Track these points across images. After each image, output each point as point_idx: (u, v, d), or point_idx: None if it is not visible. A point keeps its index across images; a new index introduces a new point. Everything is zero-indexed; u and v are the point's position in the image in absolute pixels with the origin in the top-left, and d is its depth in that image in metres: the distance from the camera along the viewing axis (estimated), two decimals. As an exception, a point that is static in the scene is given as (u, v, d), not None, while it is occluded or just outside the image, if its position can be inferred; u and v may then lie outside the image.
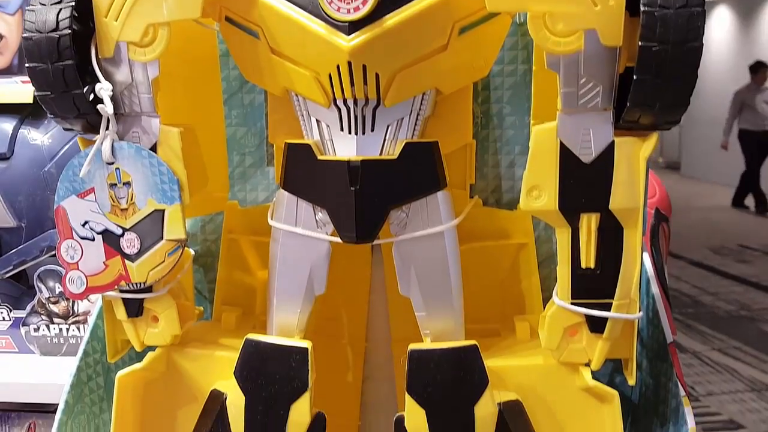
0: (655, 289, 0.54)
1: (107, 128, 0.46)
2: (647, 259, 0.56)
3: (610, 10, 0.40)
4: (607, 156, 0.43)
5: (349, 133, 0.46)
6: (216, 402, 0.49)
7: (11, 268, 0.80)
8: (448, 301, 0.48)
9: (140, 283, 0.48)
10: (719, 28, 6.70)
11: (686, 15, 0.39)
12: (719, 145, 5.26)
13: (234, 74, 0.58)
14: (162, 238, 0.48)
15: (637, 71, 0.40)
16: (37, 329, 0.80)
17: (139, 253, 0.48)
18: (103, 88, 0.45)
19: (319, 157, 0.46)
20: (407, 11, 0.41)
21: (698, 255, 4.05)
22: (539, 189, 0.44)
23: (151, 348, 0.51)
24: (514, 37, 0.54)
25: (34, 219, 0.80)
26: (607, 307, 0.44)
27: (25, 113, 0.83)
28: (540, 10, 0.40)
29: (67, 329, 0.80)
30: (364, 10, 0.41)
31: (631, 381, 0.46)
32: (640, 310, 0.44)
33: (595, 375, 0.46)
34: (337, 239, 0.47)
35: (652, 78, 0.40)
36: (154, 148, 0.47)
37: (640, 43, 0.39)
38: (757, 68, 5.03)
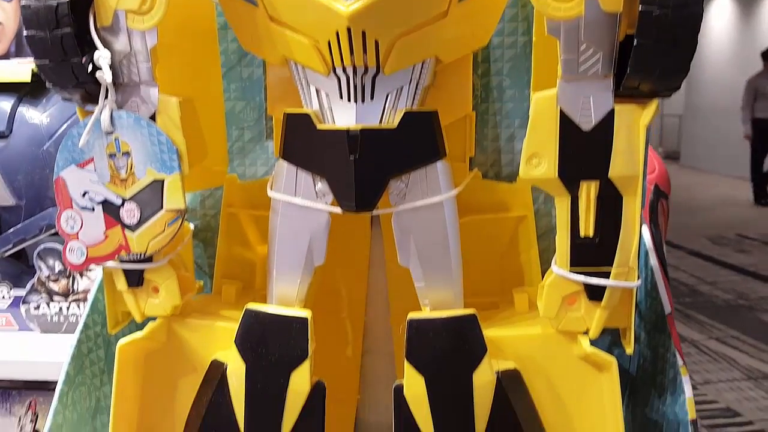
0: (653, 261, 0.54)
1: (106, 97, 0.46)
2: (646, 232, 0.56)
3: (610, -25, 0.40)
4: (606, 124, 0.43)
5: (349, 101, 0.45)
6: (216, 371, 0.49)
7: (10, 246, 0.80)
8: (447, 271, 0.48)
9: (140, 254, 0.48)
10: (719, 17, 6.68)
11: (687, -20, 0.39)
12: (724, 135, 5.21)
13: (233, 47, 0.58)
14: (162, 208, 0.48)
15: (638, 36, 0.40)
16: (37, 307, 0.80)
17: (139, 223, 0.48)
18: (102, 56, 0.45)
19: (319, 127, 0.46)
20: (407, -23, 0.41)
21: (697, 245, 4.06)
22: (539, 157, 0.44)
23: (152, 319, 0.51)
24: (515, 8, 0.54)
25: (33, 198, 0.80)
26: (606, 275, 0.44)
27: (23, 92, 0.83)
28: (540, -25, 0.40)
29: (67, 307, 0.80)
30: (364, -24, 0.41)
31: (629, 350, 0.46)
32: (638, 279, 0.45)
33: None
34: (337, 209, 0.47)
35: (652, 43, 0.40)
36: (153, 118, 0.47)
37: (640, 8, 0.39)
38: None
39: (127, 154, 0.48)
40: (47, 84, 0.47)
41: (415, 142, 0.46)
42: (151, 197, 0.48)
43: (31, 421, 0.83)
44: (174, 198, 0.47)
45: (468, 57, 0.52)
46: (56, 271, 0.79)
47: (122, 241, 0.49)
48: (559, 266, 0.45)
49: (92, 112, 0.47)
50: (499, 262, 0.56)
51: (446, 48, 0.46)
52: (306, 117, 0.46)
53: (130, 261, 0.49)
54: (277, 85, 0.55)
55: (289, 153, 0.48)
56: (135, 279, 0.50)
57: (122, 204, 0.48)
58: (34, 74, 0.81)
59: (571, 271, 0.45)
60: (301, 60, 0.46)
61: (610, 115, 0.43)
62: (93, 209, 0.49)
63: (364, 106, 0.45)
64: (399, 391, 0.46)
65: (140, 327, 0.50)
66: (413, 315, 0.47)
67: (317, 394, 0.47)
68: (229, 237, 0.58)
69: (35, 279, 0.80)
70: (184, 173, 0.47)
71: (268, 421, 0.47)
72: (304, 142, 0.47)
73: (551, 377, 0.47)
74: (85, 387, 0.58)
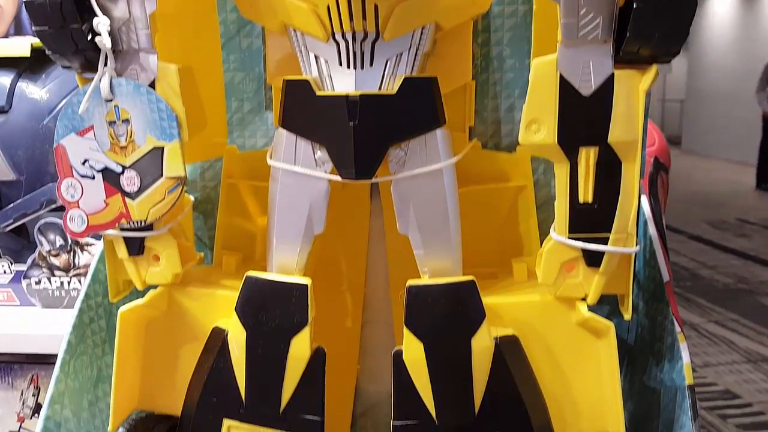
0: (652, 230, 0.54)
1: (105, 64, 0.46)
2: (645, 203, 0.57)
3: (610, -63, 0.39)
4: (606, 89, 0.43)
5: (348, 68, 0.45)
6: (217, 339, 0.49)
7: (11, 221, 0.80)
8: (447, 239, 0.48)
9: (141, 221, 0.49)
10: (722, 2, 6.64)
11: (687, -59, 0.38)
12: (725, 120, 5.18)
13: (232, 17, 0.58)
14: (162, 175, 0.48)
15: (637, 0, 0.39)
16: (38, 282, 0.81)
17: (139, 191, 0.48)
18: (101, 23, 0.45)
19: (318, 93, 0.46)
20: (406, -60, 0.41)
21: (698, 229, 4.07)
22: (538, 122, 0.44)
23: (153, 288, 0.51)
24: (515, -24, 0.54)
25: (34, 173, 0.80)
26: (604, 241, 0.44)
27: (22, 67, 0.82)
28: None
29: (68, 282, 0.80)
30: (363, -61, 0.41)
31: (627, 316, 0.46)
32: (637, 245, 0.45)
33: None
34: (336, 177, 0.47)
35: (651, 7, 0.39)
36: (152, 86, 0.47)
37: (640, -29, 0.39)
38: None
39: (126, 121, 0.48)
40: (47, 51, 0.47)
41: (414, 108, 0.46)
42: (151, 165, 0.48)
43: (33, 394, 0.83)
44: (174, 165, 0.47)
45: (468, 25, 0.52)
46: (57, 245, 0.79)
47: (123, 209, 0.49)
48: (558, 233, 0.45)
49: (92, 80, 0.47)
50: (499, 232, 0.56)
51: (446, 13, 0.46)
52: (305, 83, 0.46)
53: (130, 229, 0.49)
54: (276, 55, 0.55)
55: (288, 120, 0.48)
56: (136, 247, 0.50)
57: (122, 172, 0.48)
58: (33, 49, 0.80)
59: (569, 237, 0.45)
60: (301, 26, 0.45)
61: (610, 80, 0.43)
62: (93, 177, 0.49)
63: (363, 73, 0.45)
64: (398, 356, 0.46)
65: (141, 296, 0.51)
66: (412, 282, 0.47)
67: (317, 359, 0.47)
68: (229, 208, 0.58)
69: (36, 254, 0.80)
70: (184, 141, 0.47)
71: (268, 387, 0.47)
72: (303, 109, 0.47)
73: (549, 343, 0.47)
74: (86, 356, 0.58)
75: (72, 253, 0.80)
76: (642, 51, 0.42)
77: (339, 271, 0.60)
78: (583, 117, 0.43)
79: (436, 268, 0.48)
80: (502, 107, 0.57)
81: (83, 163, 0.49)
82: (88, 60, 0.47)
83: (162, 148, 0.47)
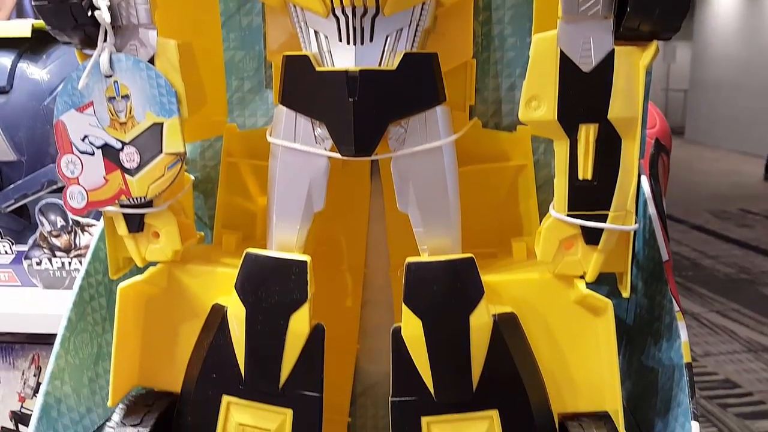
0: (651, 209, 0.54)
1: (105, 39, 0.46)
2: (645, 183, 0.56)
3: None
4: (606, 65, 0.42)
5: (348, 43, 0.45)
6: (217, 315, 0.49)
7: (12, 202, 0.81)
8: (446, 217, 0.48)
9: (140, 198, 0.49)
10: (727, -9, 6.59)
11: None
12: (729, 110, 5.16)
13: (232, -5, 0.58)
14: (161, 151, 0.48)
15: (638, -26, 0.39)
16: (39, 263, 0.81)
17: (139, 167, 0.48)
18: (100, -3, 0.45)
19: (318, 69, 0.46)
20: None
21: (700, 219, 4.06)
22: (538, 99, 0.43)
23: (153, 265, 0.51)
24: (516, -47, 0.54)
25: (35, 153, 0.80)
26: (603, 219, 0.44)
27: (23, 48, 0.82)
28: None
29: (69, 263, 0.81)
30: None
31: (625, 293, 0.46)
32: (636, 223, 0.45)
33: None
34: (336, 154, 0.47)
35: (652, -19, 0.39)
36: (152, 61, 0.47)
37: (641, -55, 0.39)
38: None
39: (126, 97, 0.48)
40: (46, 26, 0.47)
41: (414, 84, 0.46)
42: (151, 141, 0.48)
43: (35, 375, 0.84)
44: (173, 141, 0.47)
45: (469, 2, 0.52)
46: (58, 226, 0.80)
47: (122, 185, 0.49)
48: (557, 210, 0.45)
49: (91, 56, 0.47)
50: (498, 212, 0.56)
51: (446, -11, 0.46)
52: (305, 59, 0.46)
53: (130, 206, 0.49)
54: (276, 32, 0.54)
55: (287, 97, 0.48)
56: (135, 224, 0.50)
57: (122, 148, 0.48)
58: (34, 30, 0.80)
59: (568, 214, 0.45)
60: (300, 1, 0.45)
61: (610, 56, 0.42)
62: (93, 153, 0.49)
63: (363, 48, 0.45)
64: (397, 333, 0.47)
65: (142, 272, 0.51)
66: (411, 259, 0.47)
67: (316, 336, 0.47)
68: (229, 187, 0.58)
69: (37, 234, 0.80)
70: (183, 117, 0.47)
71: (268, 363, 0.48)
72: (302, 85, 0.47)
73: (548, 321, 0.48)
74: (87, 333, 0.59)
75: (73, 233, 0.80)
76: (643, 26, 0.41)
77: (339, 250, 0.60)
78: (583, 93, 0.43)
79: (436, 246, 0.48)
80: (503, 86, 0.57)
81: (83, 140, 0.49)
82: (88, 35, 0.47)
83: (161, 124, 0.47)
